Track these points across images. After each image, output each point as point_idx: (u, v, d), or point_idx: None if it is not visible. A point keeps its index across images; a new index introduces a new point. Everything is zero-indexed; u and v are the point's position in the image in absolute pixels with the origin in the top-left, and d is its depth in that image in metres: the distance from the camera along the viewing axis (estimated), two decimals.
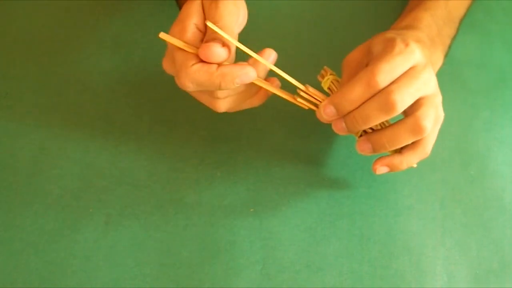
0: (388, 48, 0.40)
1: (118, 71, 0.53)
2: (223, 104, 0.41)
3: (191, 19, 0.39)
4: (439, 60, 0.48)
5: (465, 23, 0.53)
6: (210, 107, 0.41)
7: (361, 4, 0.59)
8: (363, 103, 0.40)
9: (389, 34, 0.43)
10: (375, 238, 0.45)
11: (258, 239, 0.44)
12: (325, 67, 0.49)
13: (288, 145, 0.49)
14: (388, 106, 0.39)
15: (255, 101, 0.43)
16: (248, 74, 0.38)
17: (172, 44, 0.38)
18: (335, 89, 0.47)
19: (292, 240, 0.44)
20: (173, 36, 0.38)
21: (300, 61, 0.53)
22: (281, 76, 0.40)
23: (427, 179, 0.48)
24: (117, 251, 0.43)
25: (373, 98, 0.39)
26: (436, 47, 0.47)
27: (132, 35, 0.56)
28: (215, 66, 0.37)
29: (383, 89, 0.39)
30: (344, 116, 0.41)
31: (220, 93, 0.40)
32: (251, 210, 0.45)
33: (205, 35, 0.39)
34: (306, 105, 0.42)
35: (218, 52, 0.37)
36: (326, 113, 0.41)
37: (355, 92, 0.39)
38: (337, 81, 0.48)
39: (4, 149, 0.48)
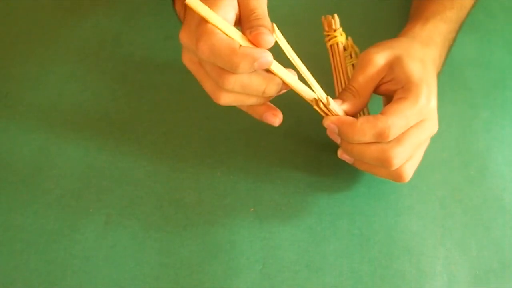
0: (410, 97, 0.40)
1: (118, 71, 0.53)
2: (226, 97, 0.38)
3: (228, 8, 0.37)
4: (440, 70, 0.48)
5: (465, 23, 0.53)
6: (211, 95, 0.39)
7: (361, 5, 0.59)
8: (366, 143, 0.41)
9: (416, 66, 0.41)
10: (375, 238, 0.45)
11: (258, 239, 0.44)
12: (335, 15, 0.48)
13: (288, 145, 0.49)
14: (386, 163, 0.40)
15: (256, 112, 0.41)
16: (267, 58, 0.36)
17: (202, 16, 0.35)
18: (337, 53, 0.47)
19: (292, 240, 0.44)
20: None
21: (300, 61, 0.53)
22: (307, 82, 0.39)
23: (427, 179, 0.48)
24: (117, 251, 0.43)
25: (376, 147, 0.40)
26: (442, 60, 0.47)
27: (132, 35, 0.56)
28: (238, 44, 0.35)
29: (388, 143, 0.40)
30: (342, 139, 0.42)
31: (228, 84, 0.37)
32: (251, 210, 0.45)
33: (247, 20, 0.37)
34: (319, 112, 0.42)
35: (269, 40, 0.36)
36: (328, 127, 0.42)
37: (364, 136, 0.40)
38: (342, 43, 0.47)
39: (4, 149, 0.48)
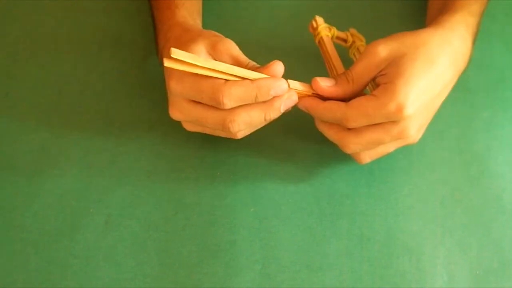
0: (381, 98, 0.39)
1: (118, 71, 0.53)
2: (239, 118, 0.41)
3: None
4: (465, 68, 0.45)
5: None
6: (227, 137, 0.44)
7: (361, 4, 0.59)
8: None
9: (413, 69, 0.40)
10: (375, 238, 0.45)
11: (258, 239, 0.44)
12: (316, 16, 0.49)
13: (288, 145, 0.49)
14: (341, 147, 0.43)
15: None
16: (281, 86, 0.40)
17: (194, 75, 0.39)
18: (325, 47, 0.47)
19: (292, 240, 0.44)
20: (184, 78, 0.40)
21: (300, 61, 0.53)
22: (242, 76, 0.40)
23: (427, 179, 0.48)
24: (117, 251, 0.43)
25: (336, 131, 0.43)
26: (468, 56, 0.45)
27: (132, 35, 0.56)
28: (249, 80, 0.39)
29: (347, 131, 0.42)
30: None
31: (235, 127, 0.41)
32: (251, 210, 0.45)
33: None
34: None
35: (280, 68, 0.40)
36: (302, 107, 0.43)
37: (325, 117, 0.42)
38: (327, 36, 0.48)
39: (4, 149, 0.48)
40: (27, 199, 0.45)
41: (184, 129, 0.46)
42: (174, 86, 0.41)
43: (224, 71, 0.39)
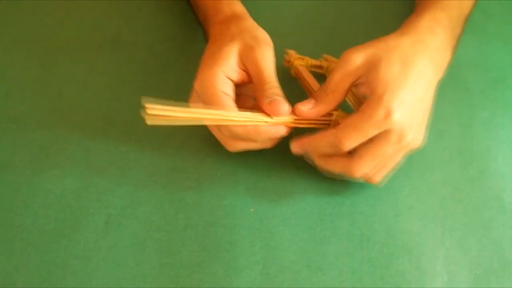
0: (367, 110, 0.39)
1: (118, 71, 0.53)
2: (238, 146, 0.43)
3: (225, 65, 0.42)
4: (448, 62, 0.46)
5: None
6: (222, 144, 0.45)
7: (361, 4, 0.59)
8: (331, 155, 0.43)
9: (389, 73, 0.40)
10: (375, 238, 0.45)
11: (258, 239, 0.44)
12: (287, 50, 0.51)
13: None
14: (350, 175, 0.42)
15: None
16: (280, 132, 0.42)
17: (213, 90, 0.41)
18: (302, 75, 0.48)
19: (292, 240, 0.44)
20: (206, 81, 0.41)
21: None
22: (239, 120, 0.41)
23: (427, 179, 0.48)
24: (117, 251, 0.43)
25: (339, 161, 0.42)
26: (447, 50, 0.46)
27: (132, 35, 0.56)
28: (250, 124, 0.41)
29: (350, 158, 0.41)
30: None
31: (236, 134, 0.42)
32: (251, 210, 0.45)
33: (262, 88, 0.41)
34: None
35: (284, 109, 0.41)
36: (295, 151, 0.44)
37: (321, 147, 0.42)
38: (302, 66, 0.49)
39: (4, 149, 0.48)
40: (27, 199, 0.45)
41: (185, 130, 0.46)
42: (196, 87, 0.43)
43: (212, 118, 0.40)
